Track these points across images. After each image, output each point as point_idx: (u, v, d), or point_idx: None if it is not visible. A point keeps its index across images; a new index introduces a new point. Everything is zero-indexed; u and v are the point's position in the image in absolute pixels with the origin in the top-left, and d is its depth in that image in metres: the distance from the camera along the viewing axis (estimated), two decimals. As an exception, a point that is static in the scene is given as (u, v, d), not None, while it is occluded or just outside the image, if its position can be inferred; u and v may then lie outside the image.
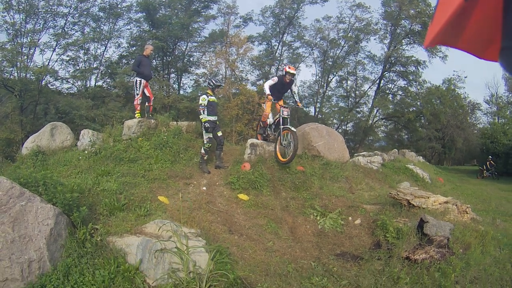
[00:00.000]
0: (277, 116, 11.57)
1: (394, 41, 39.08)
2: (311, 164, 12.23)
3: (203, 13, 35.64)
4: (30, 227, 5.63)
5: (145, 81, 12.62)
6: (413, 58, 38.37)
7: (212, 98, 11.26)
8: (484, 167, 31.20)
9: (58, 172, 9.81)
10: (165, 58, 34.64)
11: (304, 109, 43.57)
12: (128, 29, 33.55)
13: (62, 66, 30.88)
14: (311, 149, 13.04)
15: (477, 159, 44.33)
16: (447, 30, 1.13)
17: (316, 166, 12.14)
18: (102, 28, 32.56)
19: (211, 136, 11.17)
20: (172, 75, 37.44)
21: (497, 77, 68.50)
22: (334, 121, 44.38)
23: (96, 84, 32.73)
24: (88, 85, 32.08)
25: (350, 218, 9.62)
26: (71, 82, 32.00)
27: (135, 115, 12.71)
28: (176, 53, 35.56)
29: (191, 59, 37.80)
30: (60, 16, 29.61)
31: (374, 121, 43.25)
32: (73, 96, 29.39)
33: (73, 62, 31.44)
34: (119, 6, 31.53)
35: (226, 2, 36.10)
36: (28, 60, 28.07)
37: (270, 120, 11.98)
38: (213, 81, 11.68)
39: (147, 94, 12.86)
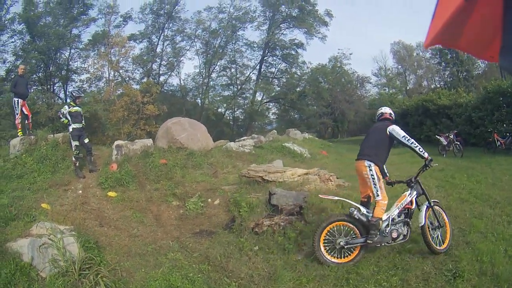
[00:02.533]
0: None
1: (272, 27, 42.54)
2: (175, 156, 14.60)
3: (82, 18, 37.81)
4: None
5: (21, 100, 14.45)
6: (295, 41, 42.63)
7: (75, 108, 13.09)
8: None
9: None
10: (47, 69, 36.49)
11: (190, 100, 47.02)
12: (12, 42, 34.93)
13: None
14: (175, 142, 15.41)
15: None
16: (447, 30, 1.19)
17: (180, 157, 14.52)
18: None
19: (78, 144, 12.96)
20: (58, 84, 39.44)
21: (384, 52, 78.55)
22: (220, 110, 47.97)
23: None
24: None
25: (209, 199, 11.57)
26: None
27: (18, 134, 14.49)
28: (59, 61, 37.68)
29: (74, 66, 40.04)
30: None
31: (259, 105, 46.68)
32: None
33: None
34: (2, 19, 33.52)
35: (107, 2, 38.31)
36: None
37: None
38: (73, 93, 14.06)
39: (25, 112, 14.68)
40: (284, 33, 45.08)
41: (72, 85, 38.94)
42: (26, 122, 15.06)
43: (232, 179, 13.02)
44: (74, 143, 12.93)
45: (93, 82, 38.14)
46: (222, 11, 42.66)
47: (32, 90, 31.99)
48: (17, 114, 14.56)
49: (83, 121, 13.50)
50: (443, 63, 54.42)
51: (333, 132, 57.58)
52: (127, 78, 41.57)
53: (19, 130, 14.61)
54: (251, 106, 44.97)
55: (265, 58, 45.14)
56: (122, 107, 31.85)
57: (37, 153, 13.94)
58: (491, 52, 1.33)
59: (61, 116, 12.94)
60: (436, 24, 1.24)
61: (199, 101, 47.07)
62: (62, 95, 39.10)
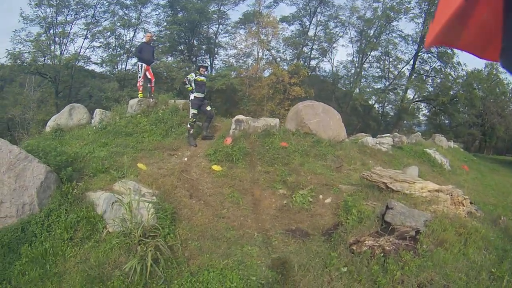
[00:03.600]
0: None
1: (428, 20, 37.63)
2: (299, 141, 13.48)
3: None
4: (27, 180, 8.04)
5: (146, 65, 15.37)
6: None
7: (201, 78, 13.13)
8: None
9: (71, 144, 12.50)
10: (189, 42, 37.57)
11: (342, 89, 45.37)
12: (156, 14, 37.06)
13: (94, 53, 36.29)
14: (304, 127, 14.25)
15: None
16: (448, 30, 1.21)
17: (304, 143, 13.34)
18: (130, 15, 36.24)
19: (196, 112, 13.08)
20: (203, 57, 40.17)
21: None
22: (370, 102, 44.71)
23: (126, 67, 36.95)
24: (118, 69, 36.09)
25: (321, 196, 10.30)
26: (103, 66, 36.36)
27: (138, 95, 15.58)
28: (202, 35, 38.69)
29: (222, 41, 40.82)
30: (90, 7, 33.94)
31: (409, 103, 42.87)
32: (104, 79, 33.78)
33: (104, 48, 35.59)
34: None
35: None
36: (62, 49, 32.97)
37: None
38: (198, 63, 13.51)
39: (149, 77, 15.62)
40: None
41: (217, 58, 40.95)
42: (149, 85, 15.89)
43: (355, 178, 11.58)
44: (193, 111, 13.04)
45: (241, 58, 39.01)
46: (377, 0, 40.23)
47: (170, 59, 34.93)
48: (139, 77, 15.42)
49: (205, 92, 13.66)
50: None
51: (480, 146, 52.20)
52: (278, 59, 41.02)
53: (140, 92, 15.57)
54: (402, 102, 41.84)
55: (420, 54, 41.26)
56: (268, 85, 32.05)
57: (153, 115, 14.26)
58: (491, 52, 1.27)
59: (186, 82, 13.15)
60: (436, 24, 1.22)
61: (350, 89, 44.74)
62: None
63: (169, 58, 35.99)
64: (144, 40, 16.49)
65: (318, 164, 12.23)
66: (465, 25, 1.19)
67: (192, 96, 13.03)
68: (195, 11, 34.24)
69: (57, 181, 8.61)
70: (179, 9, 35.52)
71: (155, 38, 34.71)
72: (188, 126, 13.05)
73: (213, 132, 14.17)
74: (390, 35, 41.65)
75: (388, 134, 19.97)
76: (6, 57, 29.42)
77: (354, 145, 15.44)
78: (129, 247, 6.99)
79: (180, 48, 37.71)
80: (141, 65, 15.27)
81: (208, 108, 13.43)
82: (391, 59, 43.11)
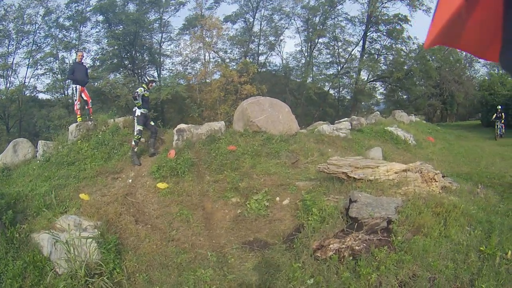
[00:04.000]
0: None
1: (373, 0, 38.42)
2: (248, 142, 12.73)
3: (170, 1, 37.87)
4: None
5: (80, 86, 14.57)
6: (397, 16, 38.75)
7: (147, 93, 12.55)
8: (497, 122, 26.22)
9: (17, 183, 11.68)
10: (129, 55, 37.30)
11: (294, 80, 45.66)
12: (96, 32, 36.60)
13: (39, 80, 34.99)
14: (251, 125, 13.51)
15: (480, 112, 44.29)
16: (448, 31, 1.18)
17: (254, 143, 12.59)
18: (71, 36, 35.87)
19: (142, 128, 12.26)
20: (151, 71, 39.79)
21: None
22: (325, 89, 45.56)
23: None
24: (64, 94, 35.61)
25: (277, 198, 9.61)
26: (48, 93, 36.20)
27: (77, 119, 14.51)
28: (145, 46, 38.25)
29: (166, 49, 40.60)
30: (30, 33, 33.43)
31: (364, 84, 43.60)
32: (52, 107, 32.71)
33: (48, 74, 35.21)
34: (83, 11, 35.12)
35: None
36: (6, 82, 32.44)
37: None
38: (147, 77, 13.34)
39: (85, 98, 14.85)
40: (386, 6, 41.13)
41: (163, 68, 40.42)
42: (86, 107, 15.19)
43: (314, 172, 10.66)
44: (138, 127, 12.17)
45: (188, 64, 38.52)
46: None
47: (113, 76, 34.32)
48: (75, 100, 14.76)
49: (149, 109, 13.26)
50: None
51: (442, 115, 54.03)
52: (227, 60, 40.79)
53: (78, 116, 14.61)
54: (356, 85, 42.16)
55: (368, 33, 41.73)
56: (218, 88, 31.74)
57: (94, 138, 13.38)
58: (491, 52, 1.31)
59: (137, 97, 12.11)
60: (436, 24, 1.19)
61: (301, 80, 44.73)
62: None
63: (112, 76, 35.29)
64: (76, 60, 15.66)
65: (271, 163, 11.45)
66: (465, 25, 1.20)
67: (138, 112, 12.18)
68: (131, 22, 33.73)
69: (1, 226, 8.16)
70: (116, 23, 35.00)
71: (91, 56, 34.80)
72: (133, 143, 12.19)
73: (158, 145, 13.44)
74: (336, 20, 41.87)
75: (346, 119, 19.83)
76: None
77: (310, 135, 14.81)
78: (78, 288, 6.52)
79: (123, 63, 37.09)
80: (75, 87, 14.55)
81: (152, 123, 12.75)
82: (340, 43, 43.34)
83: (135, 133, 12.19)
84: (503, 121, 25.99)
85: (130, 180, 11.11)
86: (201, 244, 8.21)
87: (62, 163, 12.27)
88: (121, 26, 34.82)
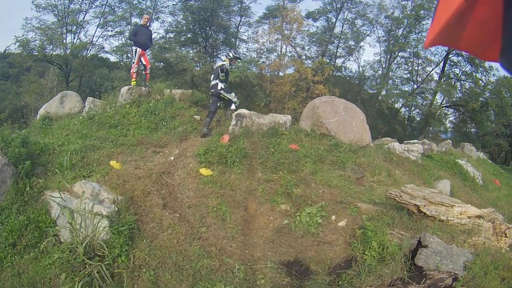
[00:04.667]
0: None
1: None
2: (313, 144, 10.99)
3: None
4: (-19, 172, 7.35)
5: (141, 49, 13.71)
6: None
7: (229, 67, 12.15)
8: None
9: (54, 135, 11.12)
10: (204, 31, 35.07)
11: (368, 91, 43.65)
12: (173, 3, 34.54)
13: (107, 41, 34.13)
14: (320, 126, 11.77)
15: None
16: (448, 30, 1.14)
17: (320, 146, 10.84)
18: (146, 4, 34.48)
19: (235, 95, 11.99)
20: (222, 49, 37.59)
21: None
22: (397, 105, 42.91)
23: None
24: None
25: (333, 217, 8.05)
26: (113, 55, 35.32)
27: (131, 83, 13.83)
28: (221, 26, 35.96)
29: (244, 35, 38.85)
30: None
31: (437, 108, 40.92)
32: (117, 69, 31.79)
33: (118, 37, 34.09)
34: None
35: None
36: (73, 37, 31.82)
37: None
38: (232, 52, 12.48)
39: (144, 63, 14.00)
40: None
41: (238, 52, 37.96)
42: (144, 72, 14.32)
43: (379, 194, 9.20)
44: (233, 94, 11.99)
45: (263, 53, 36.59)
46: None
47: (184, 50, 32.73)
48: (133, 63, 13.88)
49: None
50: None
51: (506, 158, 50.65)
52: (303, 56, 38.59)
53: (133, 79, 13.87)
54: (430, 107, 39.77)
55: (450, 56, 38.63)
56: (290, 82, 30.38)
57: (144, 105, 12.44)
58: (491, 52, 1.26)
59: (224, 70, 11.80)
60: (436, 24, 1.18)
61: (376, 91, 42.58)
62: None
63: (184, 50, 33.92)
64: (141, 22, 14.56)
65: (334, 174, 9.74)
66: (465, 25, 1.18)
67: (222, 85, 11.68)
68: None
69: (15, 175, 7.73)
70: None
71: (165, 27, 33.85)
72: (233, 107, 11.86)
73: (214, 129, 12.12)
74: (420, 35, 39.05)
75: (416, 140, 18.30)
76: (14, 44, 28.36)
77: (379, 151, 13.20)
78: (72, 266, 5.81)
79: (196, 39, 35.57)
80: (136, 49, 13.63)
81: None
82: (420, 61, 40.75)
83: (234, 99, 11.87)
84: None
85: (172, 158, 9.85)
86: (231, 251, 6.88)
87: (105, 124, 11.50)
88: (198, 1, 33.49)
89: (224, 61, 12.01)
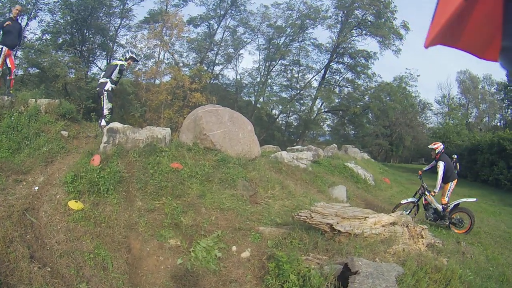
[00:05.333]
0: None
1: (344, 31, 39.25)
2: (197, 160, 9.90)
3: None
4: None
5: (7, 48, 11.16)
6: (364, 52, 39.67)
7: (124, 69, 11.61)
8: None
9: None
10: (80, 33, 32.96)
11: (244, 98, 45.68)
12: (54, 1, 31.17)
13: None
14: (204, 140, 10.76)
15: (426, 157, 45.95)
16: (447, 30, 1.14)
17: (206, 163, 9.79)
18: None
19: (112, 106, 11.18)
20: (99, 54, 36.30)
21: (450, 79, 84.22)
22: (275, 111, 45.09)
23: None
24: None
25: (234, 247, 7.13)
26: None
27: None
28: (100, 28, 34.24)
29: (123, 38, 37.36)
30: None
31: (317, 113, 44.43)
32: None
33: None
34: None
35: None
36: None
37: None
38: (128, 52, 11.86)
39: (9, 65, 11.35)
40: (356, 39, 41.01)
41: (114, 56, 35.69)
42: (8, 77, 11.51)
43: (278, 210, 8.70)
44: (109, 105, 11.05)
45: (141, 59, 34.52)
46: (291, 8, 39.48)
47: (58, 53, 29.30)
48: None
49: None
50: (506, 100, 53.33)
51: (386, 156, 56.27)
52: (181, 64, 37.99)
53: None
54: (309, 113, 41.96)
55: (331, 64, 41.39)
56: (166, 90, 29.31)
57: (7, 120, 10.05)
58: (491, 52, 1.28)
59: (123, 71, 11.48)
60: (436, 24, 1.19)
61: (253, 99, 43.76)
62: (99, 64, 35.89)
63: (59, 53, 30.41)
64: (10, 15, 11.94)
65: (225, 194, 8.71)
66: (464, 25, 1.20)
67: (109, 86, 11.01)
68: None
69: None
70: None
71: (42, 27, 30.45)
72: (103, 123, 10.80)
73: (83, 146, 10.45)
74: (303, 43, 40.84)
75: (300, 146, 18.83)
76: None
77: (267, 162, 12.50)
78: None
79: (72, 41, 32.57)
80: (1, 48, 11.02)
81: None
82: (300, 68, 42.54)
83: (105, 112, 10.96)
84: (457, 170, 25.36)
85: (36, 188, 8.03)
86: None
87: None
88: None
89: (122, 61, 11.32)
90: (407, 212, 10.97)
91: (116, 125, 9.92)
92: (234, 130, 11.22)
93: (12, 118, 10.06)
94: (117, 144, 9.55)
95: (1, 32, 11.13)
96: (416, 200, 11.56)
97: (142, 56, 33.92)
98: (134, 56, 11.71)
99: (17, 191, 7.77)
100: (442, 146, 11.40)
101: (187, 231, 7.27)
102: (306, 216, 7.04)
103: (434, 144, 11.55)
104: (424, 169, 12.39)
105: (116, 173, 8.29)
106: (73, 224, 6.98)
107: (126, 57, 11.47)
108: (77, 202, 7.46)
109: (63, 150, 9.62)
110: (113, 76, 10.97)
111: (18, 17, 12.13)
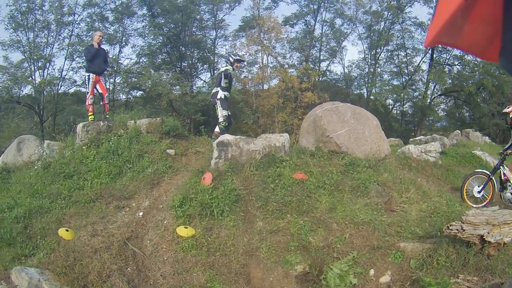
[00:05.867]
0: None
1: None
2: (324, 167, 8.43)
3: None
4: None
5: (95, 75, 11.03)
6: None
7: (232, 73, 10.76)
8: None
9: (12, 191, 8.65)
10: (176, 49, 32.41)
11: (355, 91, 42.31)
12: (142, 26, 32.01)
13: (78, 74, 30.96)
14: (327, 142, 9.27)
15: None
16: (447, 30, 1.11)
17: (333, 169, 8.30)
18: (113, 29, 31.88)
19: (228, 114, 10.45)
20: (206, 72, 35.42)
21: None
22: (389, 101, 40.59)
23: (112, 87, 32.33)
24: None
25: (371, 271, 5.90)
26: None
27: (89, 118, 11.26)
28: (195, 42, 33.23)
29: (222, 49, 35.58)
30: (69, 24, 30.00)
31: (432, 98, 39.51)
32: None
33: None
34: (129, 4, 30.95)
35: None
36: (43, 73, 29.24)
37: None
38: (232, 56, 11.01)
39: (100, 91, 11.30)
40: None
41: (217, 68, 33.83)
42: (102, 103, 11.47)
43: (415, 217, 7.14)
44: (224, 112, 10.39)
45: (245, 67, 33.29)
46: None
47: (159, 72, 29.46)
48: (87, 92, 11.24)
49: None
50: None
51: (504, 137, 48.76)
52: (285, 65, 36.03)
53: (90, 113, 11.25)
54: (423, 98, 37.81)
55: None
56: (276, 94, 28.57)
57: (105, 145, 9.66)
58: (491, 52, 1.24)
59: (228, 75, 10.46)
60: (436, 24, 1.15)
61: (365, 91, 40.96)
62: (203, 78, 35.21)
63: (159, 72, 30.50)
64: (92, 43, 11.64)
65: (358, 204, 7.20)
66: (465, 25, 1.16)
67: (221, 94, 10.40)
68: (176, 10, 29.71)
69: None
70: (160, 13, 31.11)
71: (136, 51, 31.33)
72: (217, 130, 10.19)
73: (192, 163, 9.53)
74: (404, 24, 37.84)
75: (422, 137, 17.39)
76: None
77: (395, 159, 10.80)
78: None
79: (169, 59, 32.73)
80: (89, 75, 10.96)
81: (228, 112, 10.78)
82: (407, 51, 39.23)
83: (220, 119, 10.34)
84: None
85: (140, 214, 7.33)
86: None
87: (59, 174, 8.77)
88: (166, 17, 30.95)
89: (226, 66, 10.63)
90: (480, 189, 8.75)
91: (226, 137, 8.79)
92: (359, 128, 9.77)
93: (111, 143, 9.71)
94: (230, 159, 8.49)
95: (88, 61, 11.18)
96: (490, 172, 8.96)
97: (246, 63, 32.96)
98: (238, 57, 11.09)
99: (118, 219, 7.23)
100: None
101: (317, 254, 6.14)
102: (457, 229, 5.80)
103: (508, 108, 9.09)
104: (505, 148, 9.46)
105: (231, 191, 7.32)
106: (182, 254, 6.29)
107: (231, 61, 10.73)
108: (187, 228, 6.70)
109: (170, 170, 8.85)
110: (222, 84, 10.35)
111: (101, 43, 11.79)
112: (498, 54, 1.13)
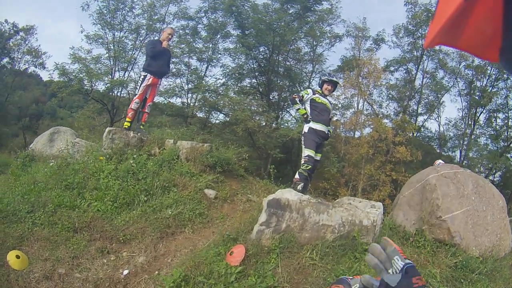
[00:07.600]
0: None
1: None
2: (425, 266, 5.47)
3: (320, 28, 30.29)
4: None
5: (153, 77, 8.95)
6: None
7: (321, 99, 7.36)
8: None
9: (17, 185, 7.15)
10: (264, 73, 29.57)
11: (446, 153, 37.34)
12: (233, 46, 29.57)
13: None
14: (435, 226, 6.24)
15: None
16: (447, 30, 1.00)
17: (436, 270, 5.36)
18: (206, 46, 30.00)
19: (312, 154, 6.96)
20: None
21: None
22: (481, 168, 35.20)
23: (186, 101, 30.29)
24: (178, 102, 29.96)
25: None
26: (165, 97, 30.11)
27: (124, 124, 9.22)
28: (283, 67, 30.38)
29: (316, 87, 32.61)
30: (159, 31, 27.90)
31: None
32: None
33: (176, 77, 29.52)
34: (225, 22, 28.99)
35: (354, 23, 31.65)
36: (123, 74, 29.09)
37: None
38: (321, 77, 7.94)
39: (147, 95, 9.17)
40: None
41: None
42: (142, 110, 9.25)
43: None
44: (308, 152, 7.01)
45: (338, 109, 31.42)
46: None
47: (242, 97, 27.11)
48: (136, 94, 9.11)
49: (331, 127, 7.60)
50: None
51: None
52: (380, 115, 33.49)
53: (128, 120, 9.11)
54: None
55: None
56: (368, 143, 26.15)
57: (127, 162, 7.29)
58: (491, 52, 1.07)
59: (296, 99, 7.32)
60: (436, 24, 1.03)
61: (458, 154, 35.65)
62: (293, 113, 31.53)
63: (243, 97, 28.16)
64: (160, 38, 9.51)
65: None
66: (464, 25, 1.02)
67: (306, 128, 7.20)
68: (269, 30, 26.84)
69: None
70: (253, 32, 28.34)
71: (225, 72, 29.39)
72: (297, 176, 6.77)
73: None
74: (509, 82, 32.90)
75: None
76: (53, 71, 26.10)
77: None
78: None
79: (256, 86, 30.47)
80: (145, 75, 8.82)
81: (319, 156, 7.34)
82: (508, 112, 34.14)
83: (302, 161, 7.01)
84: None
85: (125, 272, 4.88)
86: None
87: (63, 180, 6.87)
88: (257, 38, 28.49)
89: (310, 88, 7.93)
90: None
91: (285, 196, 5.53)
92: (481, 209, 6.63)
93: (137, 161, 7.39)
94: (283, 231, 5.33)
95: (148, 58, 9.15)
96: None
97: (340, 105, 31.53)
98: (326, 77, 7.82)
99: (93, 267, 4.94)
100: None
101: None
102: None
103: None
104: None
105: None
106: None
107: (319, 82, 7.72)
108: None
109: (199, 219, 6.22)
110: (297, 108, 7.42)
111: (169, 42, 9.89)
112: (498, 54, 0.98)
